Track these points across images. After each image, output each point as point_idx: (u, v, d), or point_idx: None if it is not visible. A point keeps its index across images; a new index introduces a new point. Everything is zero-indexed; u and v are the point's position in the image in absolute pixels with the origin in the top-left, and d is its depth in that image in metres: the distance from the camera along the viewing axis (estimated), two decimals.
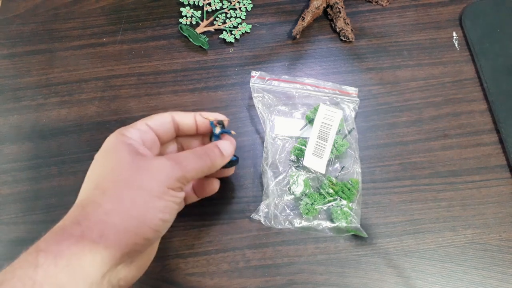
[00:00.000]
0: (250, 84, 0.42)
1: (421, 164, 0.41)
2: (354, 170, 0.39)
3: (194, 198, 0.37)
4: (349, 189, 0.38)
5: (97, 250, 0.25)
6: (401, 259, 0.37)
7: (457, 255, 0.37)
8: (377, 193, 0.40)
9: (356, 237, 0.38)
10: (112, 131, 0.43)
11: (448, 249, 0.38)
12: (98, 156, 0.30)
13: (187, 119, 0.34)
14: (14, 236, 0.40)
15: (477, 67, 0.44)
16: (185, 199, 0.36)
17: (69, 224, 0.26)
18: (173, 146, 0.36)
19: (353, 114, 0.42)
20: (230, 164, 0.38)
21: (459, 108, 0.43)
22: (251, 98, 0.43)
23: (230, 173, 0.38)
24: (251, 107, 0.43)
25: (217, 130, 0.35)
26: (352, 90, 0.42)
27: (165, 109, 0.44)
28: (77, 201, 0.29)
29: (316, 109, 0.40)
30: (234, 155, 0.39)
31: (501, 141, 0.41)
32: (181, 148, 0.36)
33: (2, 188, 0.42)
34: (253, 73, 0.42)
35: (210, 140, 0.38)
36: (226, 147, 0.33)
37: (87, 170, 0.41)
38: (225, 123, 0.35)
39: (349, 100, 0.42)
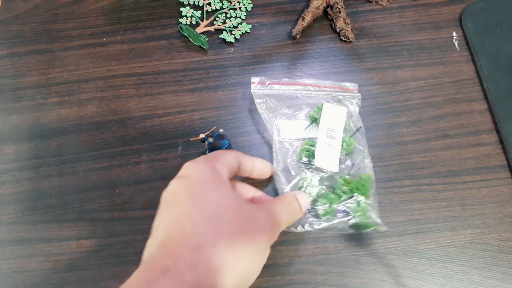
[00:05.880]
0: (251, 90, 0.41)
1: (421, 164, 0.41)
2: (366, 165, 0.39)
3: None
4: (363, 185, 0.37)
5: None
6: (401, 259, 0.37)
7: (457, 255, 0.37)
8: (377, 193, 0.40)
9: (356, 237, 0.38)
10: (112, 130, 0.43)
11: (448, 249, 0.38)
12: (197, 189, 0.28)
13: (249, 163, 0.34)
14: (14, 236, 0.40)
15: (477, 67, 0.44)
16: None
17: (185, 268, 0.23)
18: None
19: (357, 109, 0.41)
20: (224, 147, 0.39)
21: (459, 108, 0.43)
22: (251, 98, 0.43)
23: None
24: (251, 107, 0.43)
25: (210, 140, 0.38)
26: (352, 86, 0.42)
27: (165, 109, 0.44)
28: (185, 235, 0.26)
29: (319, 108, 0.40)
30: (227, 139, 0.39)
31: (501, 141, 0.41)
32: None
33: (2, 188, 0.41)
34: (253, 79, 0.41)
35: (205, 153, 0.40)
36: (305, 200, 0.34)
37: (87, 170, 0.42)
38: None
39: (351, 96, 0.41)
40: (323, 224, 0.37)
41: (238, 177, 0.37)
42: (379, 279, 0.37)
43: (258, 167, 0.35)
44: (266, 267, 0.37)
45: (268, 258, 0.37)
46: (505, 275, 0.36)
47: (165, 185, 0.41)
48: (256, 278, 0.37)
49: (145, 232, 0.39)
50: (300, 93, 0.42)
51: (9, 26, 0.49)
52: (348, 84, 0.42)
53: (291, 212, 0.32)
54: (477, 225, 0.38)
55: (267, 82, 0.42)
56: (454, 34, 0.46)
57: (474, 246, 0.38)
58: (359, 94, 0.42)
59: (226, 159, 0.31)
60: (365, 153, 0.39)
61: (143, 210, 0.40)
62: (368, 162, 0.39)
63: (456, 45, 0.46)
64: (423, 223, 0.38)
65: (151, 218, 0.40)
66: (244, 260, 0.26)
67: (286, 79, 0.42)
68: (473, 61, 0.45)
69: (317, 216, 0.37)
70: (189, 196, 0.27)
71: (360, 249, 0.38)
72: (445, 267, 0.37)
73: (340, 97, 0.41)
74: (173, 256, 0.24)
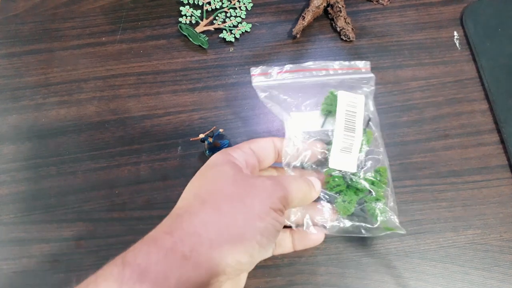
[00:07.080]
0: (253, 84, 0.37)
1: (422, 164, 0.41)
2: (381, 156, 0.35)
3: (288, 249, 0.35)
4: (379, 180, 0.34)
5: (185, 269, 0.23)
6: (402, 260, 0.37)
7: (458, 255, 0.37)
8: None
9: (357, 238, 0.38)
10: (111, 130, 0.43)
11: (449, 250, 0.37)
12: (200, 170, 0.30)
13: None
14: (13, 236, 0.39)
15: (478, 67, 0.44)
16: (278, 247, 0.35)
17: (161, 233, 0.25)
18: (268, 173, 0.35)
19: (371, 96, 0.36)
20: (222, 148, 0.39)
21: (460, 108, 0.43)
22: (251, 97, 0.43)
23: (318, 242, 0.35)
24: (251, 106, 0.43)
25: (210, 140, 0.38)
26: (363, 64, 0.37)
27: (164, 108, 0.44)
28: (173, 210, 0.28)
29: (331, 98, 0.35)
30: (227, 139, 0.39)
31: (502, 141, 0.41)
32: None
33: (1, 188, 0.41)
34: (253, 70, 0.37)
35: (205, 153, 0.39)
36: (316, 182, 0.33)
37: (86, 170, 0.42)
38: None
39: (365, 81, 0.37)
40: (345, 223, 0.34)
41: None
42: (380, 280, 0.37)
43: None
44: (266, 267, 0.38)
45: (269, 259, 0.37)
46: (506, 275, 0.36)
47: (164, 185, 0.41)
48: (256, 279, 0.37)
49: (145, 233, 0.39)
50: (307, 80, 0.37)
51: (8, 25, 0.49)
52: (358, 63, 0.37)
53: (302, 185, 0.31)
54: (478, 226, 0.38)
55: (269, 71, 0.37)
56: (455, 33, 0.46)
57: (475, 247, 0.37)
58: (372, 75, 0.37)
59: (243, 148, 0.31)
60: (379, 143, 0.35)
61: (142, 210, 0.40)
62: (383, 152, 0.35)
63: (457, 44, 0.46)
64: (424, 224, 0.38)
65: (151, 218, 0.40)
66: (233, 224, 0.26)
67: (290, 65, 0.38)
68: (474, 60, 0.45)
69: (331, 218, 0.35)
70: (196, 176, 0.30)
71: (360, 249, 0.38)
72: (446, 267, 0.37)
73: (353, 84, 0.36)
74: (157, 228, 0.27)
